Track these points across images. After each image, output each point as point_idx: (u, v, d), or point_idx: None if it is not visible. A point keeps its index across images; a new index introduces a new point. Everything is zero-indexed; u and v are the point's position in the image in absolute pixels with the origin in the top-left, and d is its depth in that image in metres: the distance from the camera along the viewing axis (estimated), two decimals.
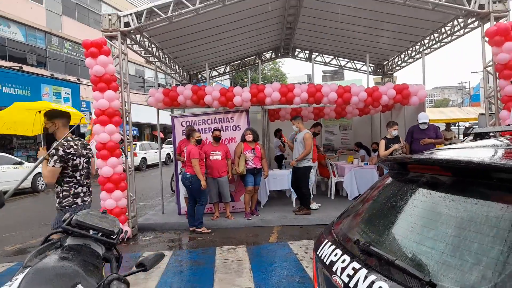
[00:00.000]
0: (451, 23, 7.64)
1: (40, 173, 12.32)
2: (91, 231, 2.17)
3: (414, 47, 9.57)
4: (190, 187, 6.23)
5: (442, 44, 8.57)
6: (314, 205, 7.17)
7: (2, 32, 15.82)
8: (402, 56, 10.43)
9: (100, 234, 2.16)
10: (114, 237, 2.22)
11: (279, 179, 7.64)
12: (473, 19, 6.72)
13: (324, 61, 12.08)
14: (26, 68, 16.13)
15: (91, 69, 5.62)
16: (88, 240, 2.16)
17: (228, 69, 12.53)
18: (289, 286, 3.95)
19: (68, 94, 17.54)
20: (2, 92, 14.11)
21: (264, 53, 12.02)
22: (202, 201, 6.30)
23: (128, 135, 6.46)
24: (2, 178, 10.81)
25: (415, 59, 10.03)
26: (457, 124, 26.46)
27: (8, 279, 1.44)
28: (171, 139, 22.55)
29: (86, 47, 5.61)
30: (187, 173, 6.17)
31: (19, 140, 17.36)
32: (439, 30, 8.21)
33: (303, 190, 6.88)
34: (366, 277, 1.28)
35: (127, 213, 6.11)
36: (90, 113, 15.65)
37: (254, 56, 12.04)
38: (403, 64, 10.70)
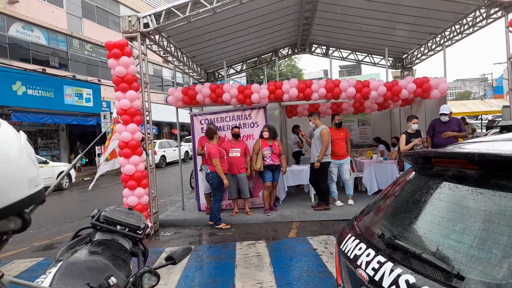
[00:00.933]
0: (473, 13, 7.44)
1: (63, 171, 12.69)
2: (118, 227, 2.24)
3: (434, 39, 9.36)
4: (210, 183, 6.40)
5: (464, 35, 8.35)
6: (338, 203, 7.13)
7: (26, 36, 16.32)
8: (422, 49, 10.22)
9: (127, 229, 2.23)
10: (140, 232, 2.29)
11: (297, 174, 7.65)
12: (497, 9, 6.52)
13: (341, 56, 11.97)
14: (49, 70, 16.60)
15: (113, 70, 5.76)
16: (116, 235, 2.23)
17: (244, 67, 12.56)
18: (310, 280, 3.96)
19: (90, 94, 17.95)
20: (27, 94, 14.56)
21: (280, 50, 11.99)
22: (217, 198, 6.39)
23: (149, 134, 6.59)
24: None
25: (435, 51, 9.81)
26: (479, 117, 25.77)
27: (38, 273, 1.50)
28: (189, 136, 22.84)
29: (109, 48, 5.74)
30: (208, 170, 6.29)
31: (43, 140, 17.92)
32: (461, 21, 8.01)
33: (321, 186, 6.86)
34: (392, 270, 1.29)
35: (148, 210, 6.24)
36: (111, 113, 15.99)
37: (271, 53, 12.03)
38: (422, 57, 10.49)
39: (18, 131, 0.93)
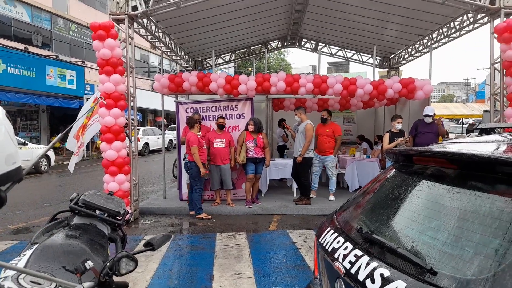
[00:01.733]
0: (461, 17, 7.56)
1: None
2: (97, 212, 2.21)
3: (422, 41, 9.49)
4: (188, 173, 6.40)
5: (451, 39, 8.49)
6: (331, 197, 7.26)
7: (8, 12, 15.73)
8: (409, 50, 10.35)
9: (106, 214, 2.20)
10: (119, 218, 2.26)
11: (281, 168, 7.69)
12: (483, 14, 6.65)
13: (330, 52, 12.02)
14: (31, 49, 16.07)
15: (98, 52, 5.62)
16: (94, 220, 2.21)
17: (233, 57, 12.48)
18: (288, 273, 4.01)
19: (73, 76, 17.49)
20: (7, 72, 14.08)
21: (270, 42, 11.95)
22: (198, 187, 6.36)
23: (133, 120, 6.49)
24: None
25: (422, 53, 9.96)
26: (460, 121, 26.41)
27: (12, 256, 1.47)
28: (173, 125, 22.61)
29: (94, 30, 5.60)
30: (187, 159, 6.26)
31: (22, 121, 17.42)
32: (448, 25, 8.13)
33: (303, 180, 6.92)
34: (367, 264, 1.31)
35: (129, 197, 6.17)
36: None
37: (260, 45, 11.98)
38: (409, 58, 10.63)
39: None
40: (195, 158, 6.10)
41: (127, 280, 1.88)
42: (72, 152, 6.35)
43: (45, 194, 8.81)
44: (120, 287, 1.38)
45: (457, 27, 7.86)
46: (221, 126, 6.76)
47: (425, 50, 9.66)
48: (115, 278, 1.46)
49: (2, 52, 13.97)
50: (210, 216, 6.42)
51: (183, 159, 7.02)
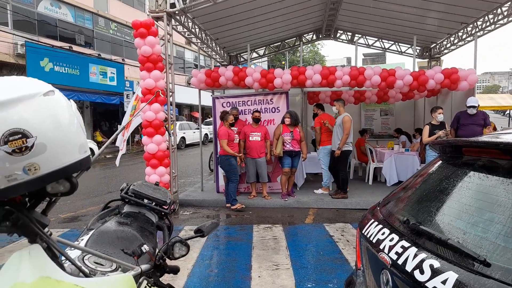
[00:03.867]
0: (509, 3, 7.12)
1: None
2: (145, 201, 2.33)
3: (465, 29, 9.03)
4: (221, 166, 6.60)
5: (497, 26, 8.02)
6: (318, 191, 7.26)
7: (54, 13, 16.61)
8: (452, 39, 9.87)
9: (154, 203, 2.32)
10: (166, 207, 2.37)
11: (317, 162, 7.64)
12: None
13: (367, 43, 11.71)
14: (75, 48, 16.90)
15: (139, 49, 5.84)
16: (143, 209, 2.32)
17: (267, 51, 12.47)
18: (325, 265, 4.02)
19: (114, 73, 18.24)
20: (53, 70, 14.92)
21: (304, 35, 11.82)
22: (233, 179, 6.47)
23: (172, 114, 6.69)
24: None
25: (466, 42, 9.47)
26: (507, 112, 24.89)
27: None
28: (208, 119, 23.01)
29: (135, 28, 5.81)
30: (218, 153, 6.41)
31: None
32: (495, 11, 7.68)
33: (340, 174, 6.84)
34: (416, 255, 1.31)
35: (169, 189, 6.40)
36: (133, 93, 16.25)
37: (295, 38, 11.88)
38: (452, 47, 10.15)
39: (68, 99, 0.99)
40: (225, 150, 6.24)
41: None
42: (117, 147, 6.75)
43: (91, 185, 9.31)
44: (172, 271, 1.46)
45: (505, 13, 7.41)
46: (256, 120, 6.82)
47: (469, 39, 9.19)
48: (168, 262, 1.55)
49: (49, 52, 14.80)
50: (244, 206, 6.53)
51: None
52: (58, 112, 0.91)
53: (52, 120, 0.88)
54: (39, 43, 14.87)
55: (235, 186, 6.55)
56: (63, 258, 1.06)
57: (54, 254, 0.97)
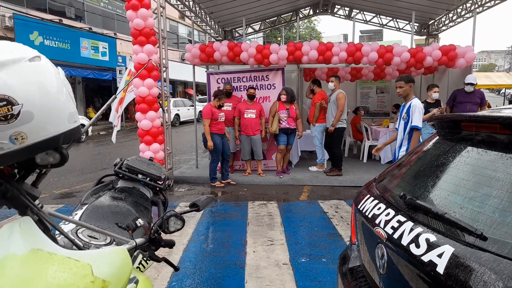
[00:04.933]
0: None
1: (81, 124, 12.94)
2: (140, 176, 2.31)
3: (464, 5, 8.87)
4: (204, 145, 6.58)
5: (497, 2, 7.89)
6: (313, 168, 7.29)
7: None
8: (450, 15, 9.72)
9: (148, 179, 2.29)
10: (161, 182, 2.35)
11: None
12: None
13: (364, 19, 11.51)
14: (65, 21, 16.42)
15: (131, 22, 5.67)
16: (137, 184, 2.30)
17: (263, 27, 12.22)
18: (320, 241, 4.07)
19: (106, 48, 17.84)
20: (44, 44, 14.54)
21: (301, 10, 11.56)
22: (214, 158, 6.48)
23: (166, 91, 6.59)
24: None
25: (465, 18, 9.32)
26: (502, 91, 24.95)
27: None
28: (203, 97, 22.77)
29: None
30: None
31: None
32: None
33: (335, 151, 6.86)
34: (412, 229, 1.31)
35: (164, 165, 6.38)
36: (126, 68, 15.96)
37: (291, 13, 11.63)
38: (450, 24, 10.00)
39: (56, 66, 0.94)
40: (204, 130, 6.19)
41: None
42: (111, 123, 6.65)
43: (84, 162, 9.26)
44: (168, 245, 1.46)
45: None
46: (251, 97, 6.75)
47: (467, 15, 9.05)
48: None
49: (38, 25, 14.37)
50: (223, 184, 6.61)
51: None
52: (45, 79, 0.86)
53: (39, 87, 0.83)
54: (28, 15, 14.40)
55: (214, 166, 6.56)
56: (57, 232, 1.03)
57: (46, 227, 0.95)
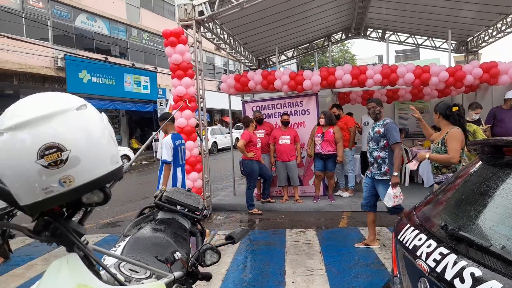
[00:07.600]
0: None
1: (124, 155, 13.57)
2: (178, 207, 2.38)
3: (504, 20, 8.55)
4: (241, 170, 6.76)
5: None
6: (345, 194, 7.11)
7: (90, 27, 17.43)
8: (490, 31, 9.39)
9: (186, 209, 2.36)
10: (198, 213, 2.41)
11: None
12: None
13: (398, 39, 11.39)
14: (110, 59, 17.64)
15: (170, 58, 5.99)
16: (176, 215, 2.37)
17: (295, 53, 12.41)
18: (361, 271, 3.92)
19: (147, 82, 18.86)
20: (91, 81, 15.64)
21: (333, 35, 11.67)
22: (250, 184, 6.54)
23: (203, 120, 6.81)
24: None
25: (506, 33, 8.97)
26: None
27: (104, 247, 1.65)
28: (239, 124, 23.16)
29: (166, 37, 5.98)
30: (241, 157, 6.54)
31: None
32: None
33: None
34: (455, 262, 1.25)
35: (202, 194, 6.50)
36: (166, 100, 16.71)
37: (323, 38, 11.76)
38: (490, 40, 9.65)
39: (100, 112, 1.03)
40: (239, 150, 6.28)
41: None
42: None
43: (128, 191, 9.64)
44: (205, 278, 1.48)
45: None
46: (285, 123, 6.79)
47: (508, 30, 8.69)
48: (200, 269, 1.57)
49: (86, 64, 15.53)
50: (261, 212, 6.62)
51: None
52: (90, 126, 0.95)
53: (85, 134, 0.92)
54: (77, 55, 15.64)
55: (251, 192, 6.63)
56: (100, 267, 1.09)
57: (91, 262, 1.01)
